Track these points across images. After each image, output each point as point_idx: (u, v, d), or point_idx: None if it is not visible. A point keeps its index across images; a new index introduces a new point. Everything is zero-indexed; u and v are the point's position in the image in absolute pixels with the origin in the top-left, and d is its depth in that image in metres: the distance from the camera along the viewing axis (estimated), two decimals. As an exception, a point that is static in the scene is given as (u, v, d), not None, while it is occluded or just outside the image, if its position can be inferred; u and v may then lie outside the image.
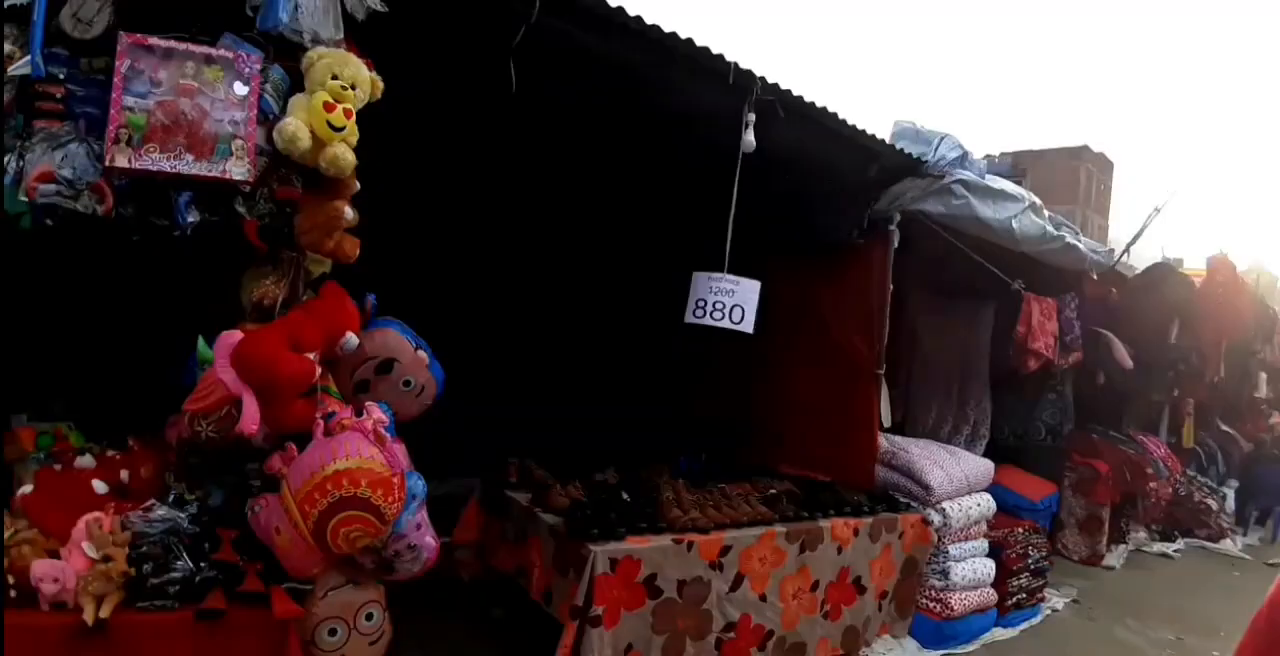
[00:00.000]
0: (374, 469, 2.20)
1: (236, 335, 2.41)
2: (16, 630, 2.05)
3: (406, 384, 2.80)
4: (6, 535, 2.23)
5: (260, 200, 2.48)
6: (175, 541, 2.30)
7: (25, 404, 3.46)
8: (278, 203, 2.49)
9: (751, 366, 5.07)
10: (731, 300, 3.55)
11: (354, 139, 2.44)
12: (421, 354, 2.86)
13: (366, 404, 2.47)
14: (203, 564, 2.28)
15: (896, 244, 4.51)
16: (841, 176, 4.27)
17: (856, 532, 3.85)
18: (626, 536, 3.10)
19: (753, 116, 3.36)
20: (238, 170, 2.36)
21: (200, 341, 2.47)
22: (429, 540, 2.50)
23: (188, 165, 2.31)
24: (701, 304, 3.59)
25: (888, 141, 4.18)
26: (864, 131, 3.89)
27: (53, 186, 2.27)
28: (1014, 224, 4.63)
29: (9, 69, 2.25)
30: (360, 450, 2.22)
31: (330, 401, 2.55)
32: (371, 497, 2.17)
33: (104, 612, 2.10)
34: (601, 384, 5.65)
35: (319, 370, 2.40)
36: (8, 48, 2.25)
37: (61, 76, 2.32)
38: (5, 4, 2.24)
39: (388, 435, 2.32)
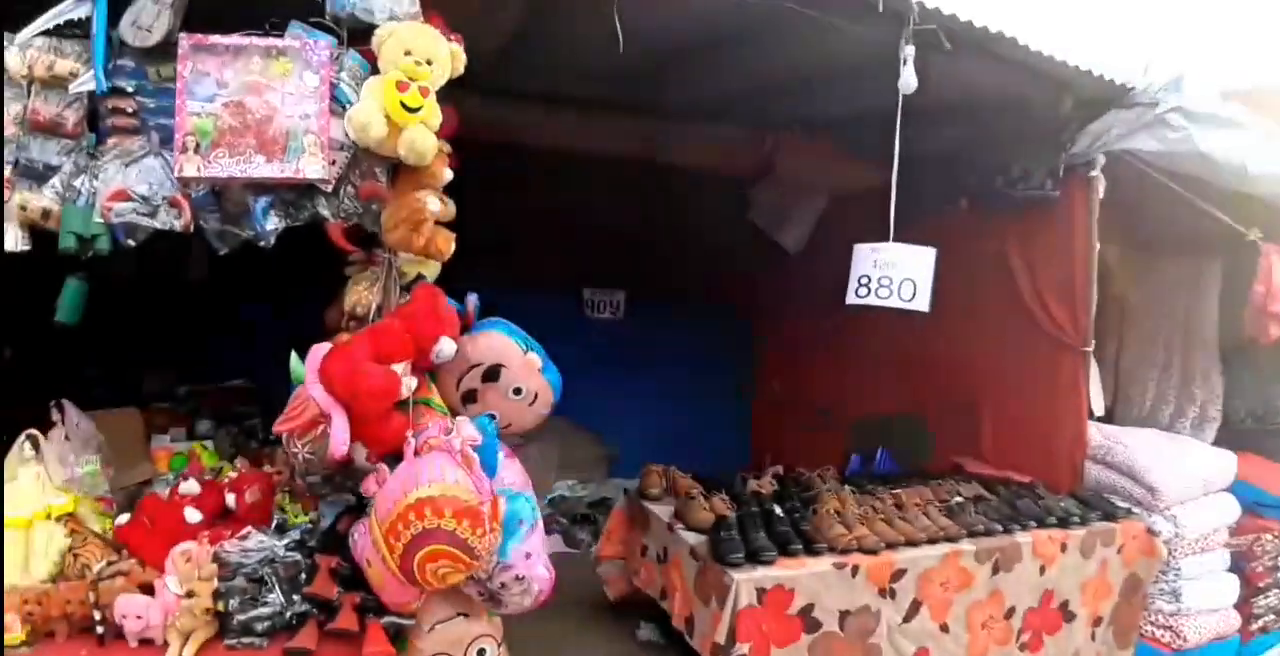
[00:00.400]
0: (459, 496, 1.92)
1: (325, 348, 2.22)
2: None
3: (516, 391, 2.52)
4: (100, 567, 2.15)
5: (345, 199, 2.27)
6: (270, 572, 2.14)
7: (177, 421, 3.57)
8: (364, 200, 2.28)
9: (924, 347, 4.44)
10: (900, 273, 3.00)
11: (435, 120, 2.17)
12: (533, 357, 2.56)
13: (457, 420, 2.19)
14: (296, 597, 2.11)
15: (1102, 193, 3.74)
16: (1027, 115, 3.57)
17: (1064, 548, 3.20)
18: (777, 559, 2.68)
19: (911, 49, 2.79)
20: (312, 168, 2.14)
21: (293, 356, 2.30)
22: (541, 571, 2.21)
23: (258, 168, 2.12)
24: (864, 281, 3.06)
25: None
26: (1050, 57, 3.18)
27: (129, 205, 2.16)
28: (1247, 160, 3.71)
29: (72, 86, 2.14)
30: (444, 474, 1.94)
31: (432, 416, 2.31)
32: (457, 530, 1.89)
33: (188, 652, 1.98)
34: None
35: (406, 382, 2.15)
36: (71, 65, 2.15)
37: (130, 89, 2.20)
38: (62, 18, 2.13)
39: (475, 456, 2.03)
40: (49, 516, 2.18)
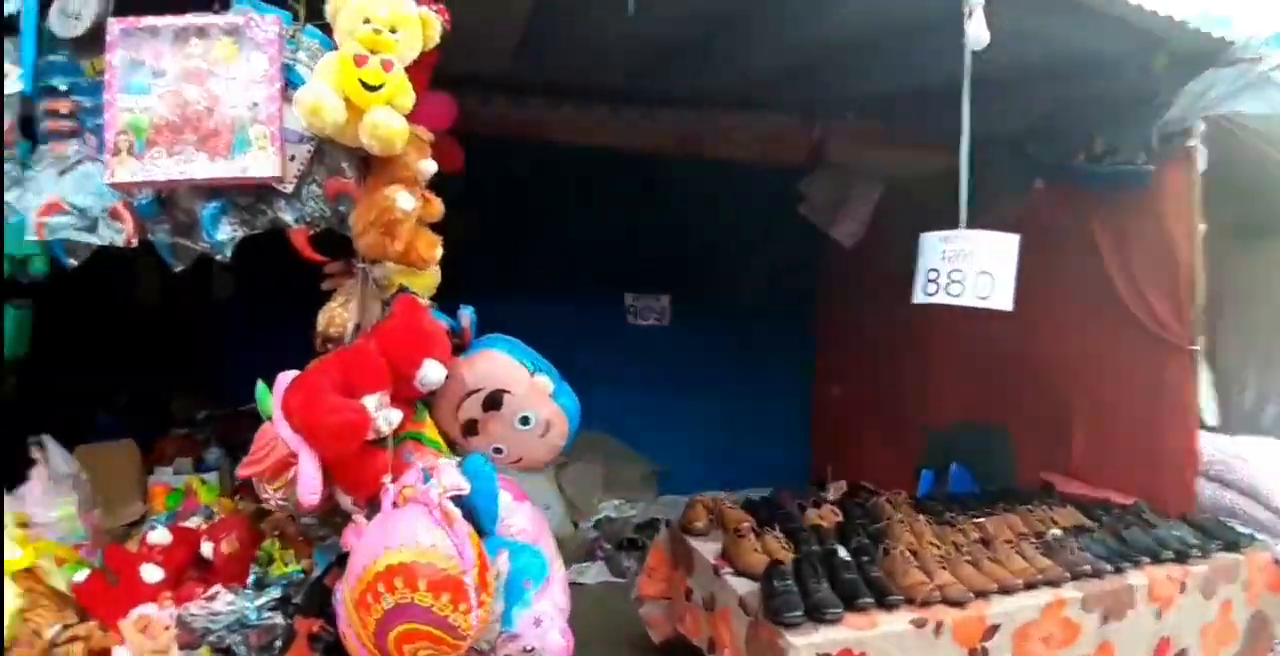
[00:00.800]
0: (435, 563, 1.57)
1: (292, 376, 1.88)
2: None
3: (524, 421, 2.16)
4: (54, 632, 1.87)
5: (309, 200, 1.94)
6: (239, 640, 1.82)
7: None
8: (331, 201, 1.94)
9: (1003, 347, 3.94)
10: (975, 266, 2.51)
11: (405, 99, 1.82)
12: (541, 379, 2.20)
13: (439, 463, 1.83)
14: (263, 672, 1.77)
15: (1204, 165, 3.21)
16: (1113, 78, 3.07)
17: (1183, 587, 2.68)
18: (843, 616, 2.24)
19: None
20: (260, 165, 1.81)
21: (259, 387, 1.97)
22: (555, 638, 1.84)
23: (200, 167, 1.80)
24: (933, 276, 2.59)
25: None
26: (1139, 6, 2.68)
27: (64, 218, 1.87)
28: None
29: None
30: (418, 534, 1.60)
31: (424, 454, 1.97)
32: (434, 606, 1.54)
33: None
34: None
35: (383, 416, 1.80)
36: (6, 66, 1.87)
37: (64, 87, 1.92)
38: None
39: (456, 512, 1.66)
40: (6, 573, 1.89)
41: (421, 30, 1.85)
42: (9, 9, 1.89)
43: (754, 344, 5.42)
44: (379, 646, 1.60)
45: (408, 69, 1.84)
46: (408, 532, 1.60)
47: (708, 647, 2.68)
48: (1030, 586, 2.48)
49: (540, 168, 4.49)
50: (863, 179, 4.77)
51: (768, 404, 5.48)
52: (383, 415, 1.81)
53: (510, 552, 1.81)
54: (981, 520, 2.86)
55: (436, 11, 1.92)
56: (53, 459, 2.37)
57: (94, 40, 1.87)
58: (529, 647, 1.78)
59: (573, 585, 4.08)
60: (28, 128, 1.95)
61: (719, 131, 4.22)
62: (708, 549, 2.78)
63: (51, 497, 2.30)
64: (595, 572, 4.36)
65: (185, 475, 2.96)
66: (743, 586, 2.48)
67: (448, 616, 1.55)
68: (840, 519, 2.91)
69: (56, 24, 1.88)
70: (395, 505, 1.71)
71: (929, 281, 2.60)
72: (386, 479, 1.78)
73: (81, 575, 2.04)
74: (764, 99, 3.95)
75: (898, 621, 2.28)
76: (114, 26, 1.81)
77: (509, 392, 2.12)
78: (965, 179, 2.56)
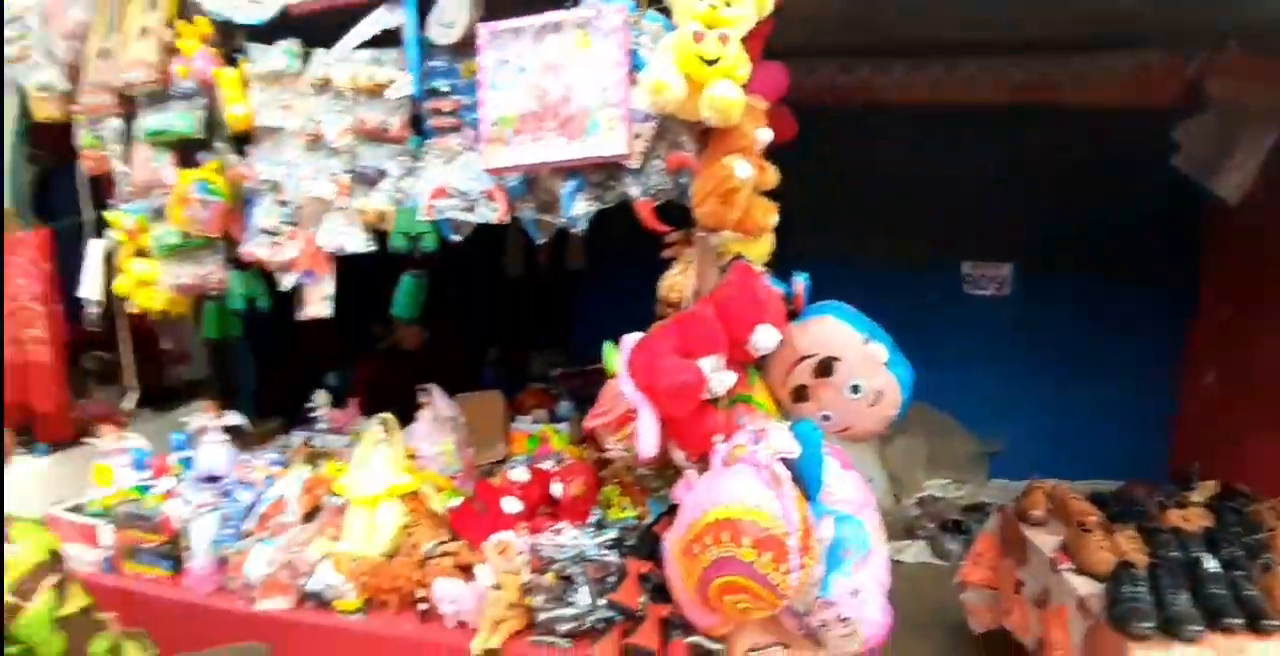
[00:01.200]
0: (760, 521, 1.61)
1: (636, 338, 2.05)
2: (425, 645, 2.05)
3: (855, 389, 2.12)
4: (429, 546, 2.22)
5: (652, 174, 2.07)
6: (579, 571, 2.03)
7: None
8: (673, 173, 2.06)
9: None
10: None
11: (741, 70, 1.85)
12: (875, 347, 2.14)
13: (769, 426, 1.87)
14: (602, 601, 1.97)
15: None
16: None
17: None
18: (1204, 635, 1.95)
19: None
20: (610, 144, 1.97)
21: (606, 347, 2.17)
22: (873, 613, 1.81)
23: (558, 150, 2.01)
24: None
25: None
26: None
27: (449, 201, 2.20)
28: None
29: (388, 93, 2.21)
30: (746, 493, 1.65)
31: (754, 416, 2.03)
32: (755, 563, 1.59)
33: (494, 642, 1.95)
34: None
35: (717, 378, 1.89)
36: (390, 73, 2.23)
37: (445, 88, 2.22)
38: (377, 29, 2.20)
39: (784, 474, 1.69)
40: (392, 495, 2.31)
41: (756, 0, 1.87)
42: (391, 23, 2.21)
43: (1108, 317, 4.79)
44: (701, 593, 1.70)
45: (742, 40, 1.87)
46: (736, 490, 1.67)
47: (1035, 646, 2.48)
48: None
49: (872, 132, 4.30)
50: (1252, 122, 3.97)
51: (1120, 386, 4.80)
52: (717, 377, 1.90)
53: (833, 520, 1.81)
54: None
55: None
56: (438, 403, 2.79)
57: (466, 45, 2.14)
58: (844, 617, 1.77)
59: (891, 562, 4.06)
60: (417, 125, 2.31)
61: (1072, 76, 3.76)
62: (1045, 540, 2.56)
63: (435, 435, 2.74)
64: (915, 552, 4.22)
65: (541, 424, 3.31)
66: (1084, 586, 2.25)
67: (768, 574, 1.60)
68: (1209, 524, 2.52)
69: (435, 33, 2.18)
70: (725, 463, 1.80)
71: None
72: (718, 438, 1.87)
73: (455, 502, 2.42)
74: (1124, 34, 3.43)
75: (1273, 650, 1.94)
76: (482, 31, 2.06)
77: (841, 360, 2.10)
78: None
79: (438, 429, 2.73)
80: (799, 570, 1.62)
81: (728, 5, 1.82)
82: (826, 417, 2.14)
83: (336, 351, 4.01)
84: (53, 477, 2.82)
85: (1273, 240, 3.96)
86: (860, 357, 2.12)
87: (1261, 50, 3.39)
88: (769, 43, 2.06)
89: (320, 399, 3.20)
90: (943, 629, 3.20)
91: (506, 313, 4.59)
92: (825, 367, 2.12)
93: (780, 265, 2.26)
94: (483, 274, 4.34)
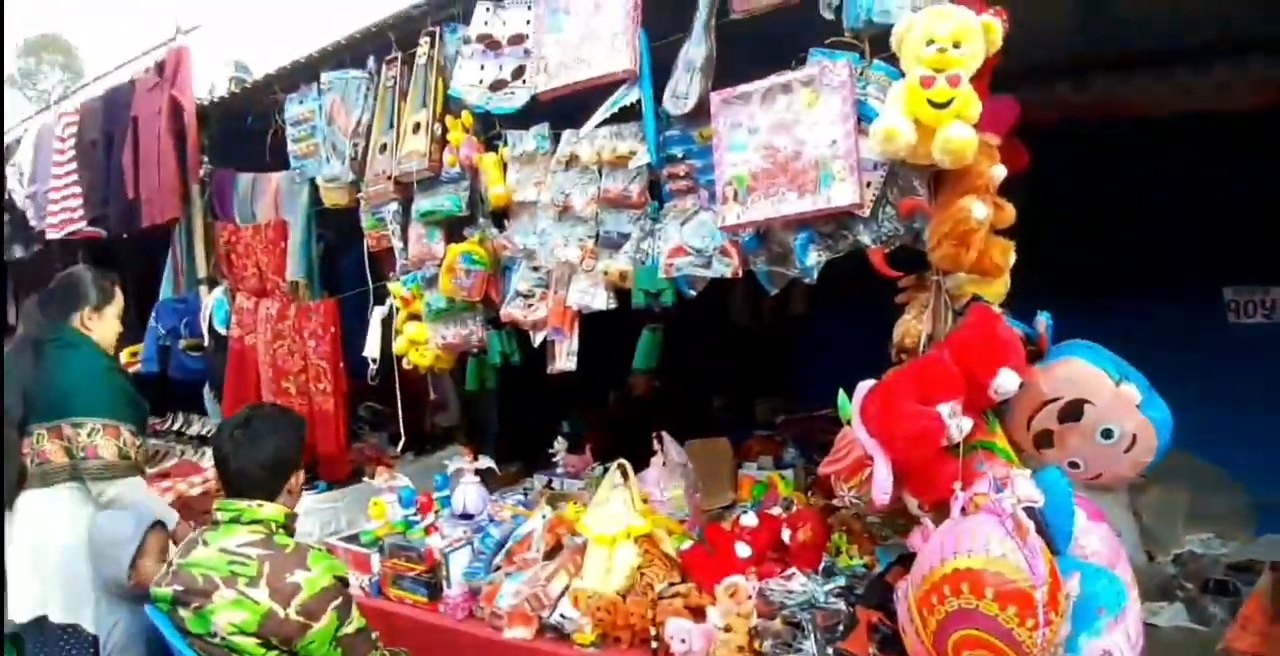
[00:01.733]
0: (1005, 574, 1.55)
1: (870, 384, 2.06)
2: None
3: (1106, 434, 1.99)
4: (662, 587, 2.31)
5: (884, 221, 2.11)
6: (808, 618, 2.04)
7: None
8: (904, 218, 2.08)
9: None
10: None
11: (973, 110, 1.84)
12: (1128, 388, 2.01)
13: (1013, 473, 1.80)
14: (830, 650, 1.96)
15: None
16: None
17: None
18: None
19: None
20: (841, 195, 2.02)
21: (840, 395, 2.19)
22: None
23: (790, 204, 2.09)
24: None
25: None
26: None
27: (686, 259, 2.35)
28: None
29: (631, 164, 2.43)
30: (989, 544, 1.59)
31: (995, 463, 1.97)
32: (999, 617, 1.52)
33: None
34: None
35: (955, 424, 1.85)
36: (630, 145, 2.44)
37: (680, 154, 2.41)
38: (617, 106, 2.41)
39: (1029, 524, 1.62)
40: (629, 536, 2.43)
41: (985, 36, 1.86)
42: (629, 100, 2.41)
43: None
44: (938, 647, 1.64)
45: (971, 78, 1.87)
46: (978, 540, 1.61)
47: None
48: None
49: (1110, 150, 4.05)
50: None
51: None
52: (955, 423, 1.86)
53: (1083, 575, 1.70)
54: None
55: (995, 13, 1.91)
56: (668, 449, 2.92)
57: (699, 113, 2.30)
58: (1092, 680, 1.65)
59: (1144, 625, 3.61)
60: (655, 191, 2.49)
61: None
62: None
63: (666, 480, 2.86)
64: (1170, 615, 3.71)
65: (768, 471, 3.35)
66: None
67: (1013, 629, 1.52)
68: None
69: (670, 105, 2.35)
70: (964, 512, 1.75)
71: None
72: (957, 485, 1.83)
73: (687, 545, 2.51)
74: None
75: None
76: (715, 99, 2.21)
77: (1090, 403, 1.99)
78: None
79: (668, 474, 2.85)
80: (1046, 627, 1.53)
81: (955, 46, 1.82)
82: (1075, 464, 2.02)
83: (572, 402, 4.29)
84: (329, 510, 3.25)
85: None
86: (1111, 400, 1.99)
87: None
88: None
89: (559, 445, 3.45)
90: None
91: (731, 361, 4.70)
92: (1073, 411, 2.01)
93: (1019, 303, 2.18)
94: (709, 324, 4.48)
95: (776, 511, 2.69)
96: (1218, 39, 3.18)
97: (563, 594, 2.36)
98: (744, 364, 4.69)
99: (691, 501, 2.87)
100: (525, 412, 4.42)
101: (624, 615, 2.24)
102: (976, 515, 1.72)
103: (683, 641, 2.12)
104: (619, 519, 2.52)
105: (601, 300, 2.55)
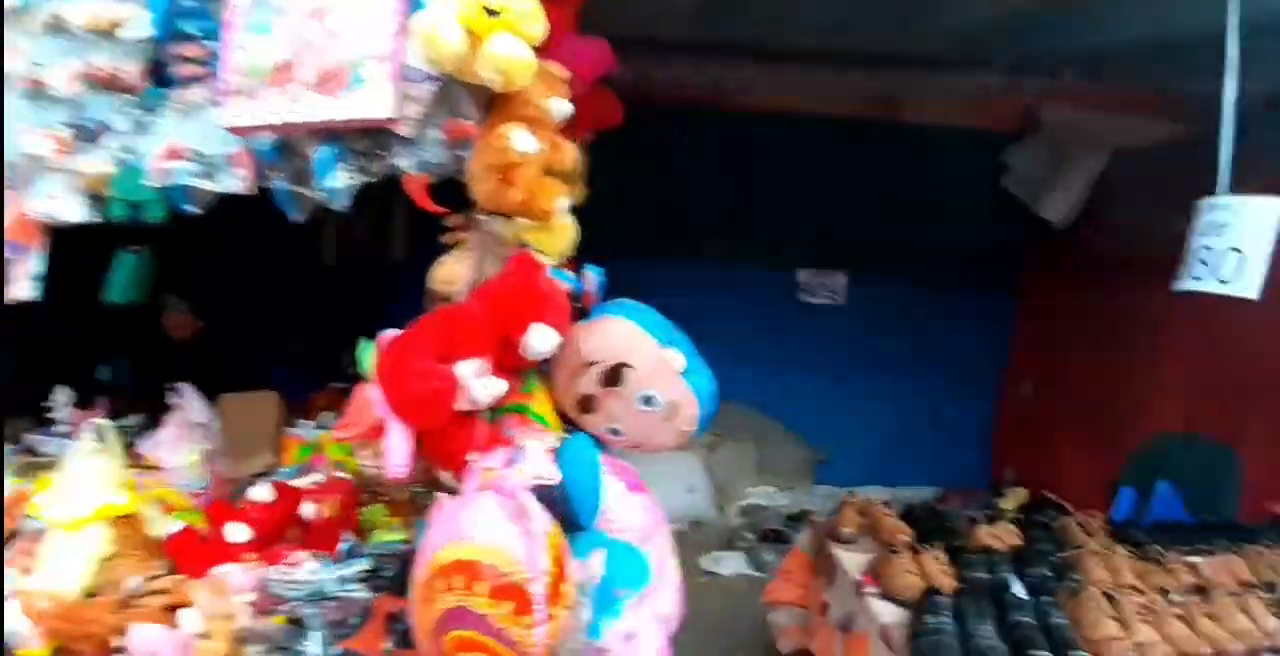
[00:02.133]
0: (499, 566, 1.35)
1: (392, 336, 1.75)
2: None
3: (647, 400, 1.88)
4: (135, 583, 1.84)
5: (429, 146, 1.78)
6: (314, 613, 1.72)
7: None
8: (453, 144, 1.77)
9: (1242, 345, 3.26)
10: (1226, 241, 2.02)
11: (532, 26, 1.60)
12: (672, 354, 1.91)
13: (526, 445, 1.63)
14: (334, 650, 1.67)
15: None
16: None
17: None
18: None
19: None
20: (375, 105, 1.66)
21: (360, 345, 1.86)
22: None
23: (308, 108, 1.68)
24: (1204, 252, 2.08)
25: None
26: None
27: (182, 164, 1.82)
28: None
29: (121, 31, 1.83)
30: (484, 529, 1.39)
31: (531, 430, 1.79)
32: (489, 615, 1.33)
33: None
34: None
35: (479, 386, 1.62)
36: (131, 10, 1.84)
37: (196, 32, 1.84)
38: None
39: (534, 507, 1.45)
40: (102, 518, 1.91)
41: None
42: None
43: (937, 330, 4.97)
44: (435, 648, 1.42)
45: (547, 3, 1.64)
46: (474, 525, 1.41)
47: (840, 673, 2.36)
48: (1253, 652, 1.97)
49: (718, 134, 4.28)
50: (1081, 147, 4.15)
51: (947, 396, 5.02)
52: (480, 384, 1.63)
53: (604, 555, 1.59)
54: (1197, 561, 2.34)
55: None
56: (189, 406, 2.41)
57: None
58: (617, 665, 1.55)
59: (707, 574, 3.93)
60: (161, 77, 1.92)
61: (917, 94, 3.86)
62: (854, 560, 2.45)
63: (182, 444, 2.35)
64: (734, 564, 4.10)
65: (324, 430, 2.97)
66: (889, 613, 2.14)
67: (506, 628, 1.34)
68: (1018, 541, 2.48)
69: (187, -35, 1.82)
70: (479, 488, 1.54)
71: (1199, 262, 2.07)
72: (474, 456, 1.60)
73: (175, 527, 2.00)
74: (970, 55, 3.45)
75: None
76: (238, -38, 1.73)
77: (631, 367, 1.86)
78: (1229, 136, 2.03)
79: (185, 436, 2.34)
80: (545, 623, 1.37)
81: (517, -55, 1.56)
82: (615, 432, 1.90)
83: (111, 340, 3.48)
84: None
85: (1083, 261, 4.13)
86: (654, 366, 1.87)
87: (1097, 78, 3.52)
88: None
89: (60, 396, 2.70)
90: (748, 648, 3.07)
91: (317, 304, 4.15)
92: (614, 376, 1.86)
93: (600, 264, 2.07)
94: (289, 260, 3.90)
95: (310, 480, 2.30)
96: (819, 45, 3.37)
97: (9, 598, 1.75)
98: (331, 308, 4.18)
99: (212, 470, 2.38)
100: (47, 355, 3.50)
101: (80, 622, 1.72)
102: (481, 494, 1.50)
103: (150, 654, 1.66)
104: (91, 496, 1.95)
105: (75, 210, 1.94)
